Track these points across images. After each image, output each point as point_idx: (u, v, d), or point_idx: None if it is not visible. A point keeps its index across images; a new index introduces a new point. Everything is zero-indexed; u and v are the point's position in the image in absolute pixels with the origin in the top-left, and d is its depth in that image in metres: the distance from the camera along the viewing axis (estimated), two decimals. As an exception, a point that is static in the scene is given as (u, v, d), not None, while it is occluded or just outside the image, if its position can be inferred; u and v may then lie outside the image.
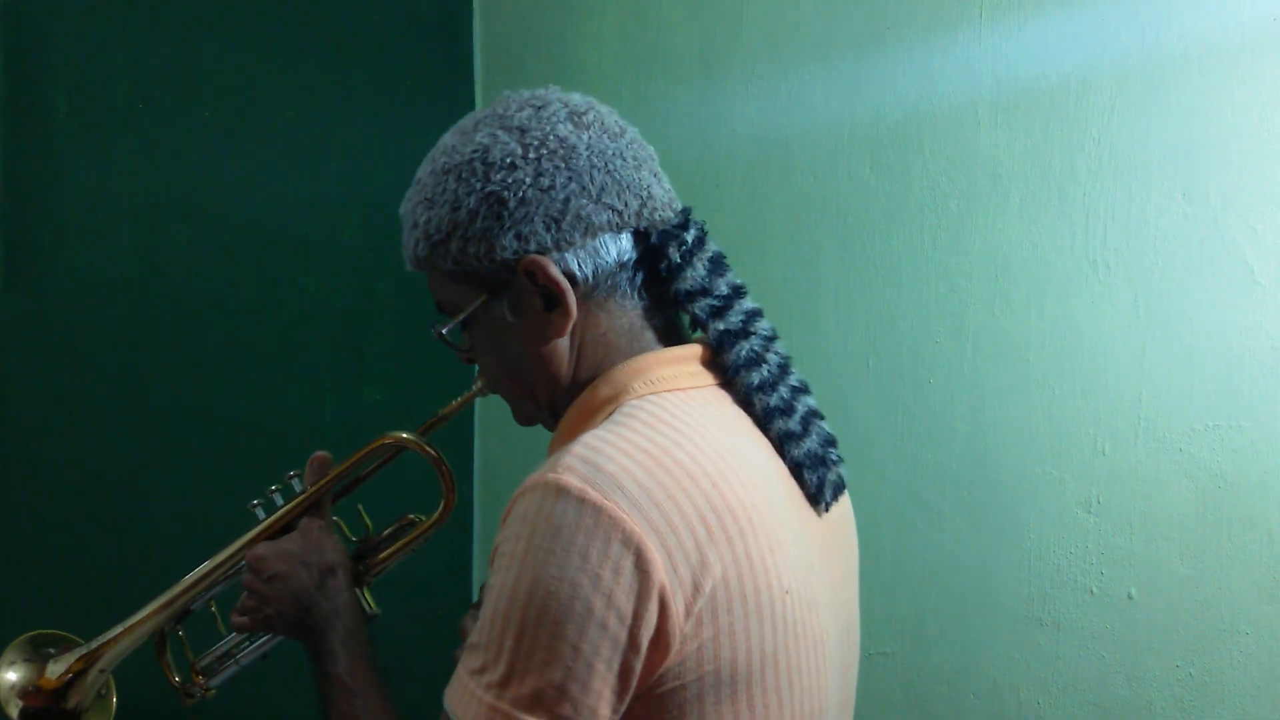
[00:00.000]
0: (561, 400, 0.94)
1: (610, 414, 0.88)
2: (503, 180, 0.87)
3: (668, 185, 0.95)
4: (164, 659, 1.23)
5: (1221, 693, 1.36)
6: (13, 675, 1.20)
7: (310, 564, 1.05)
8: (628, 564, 0.76)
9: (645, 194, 0.91)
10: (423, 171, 0.93)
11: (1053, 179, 1.49)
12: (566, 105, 0.92)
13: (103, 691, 1.23)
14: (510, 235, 0.87)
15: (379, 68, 2.18)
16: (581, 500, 0.77)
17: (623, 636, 0.77)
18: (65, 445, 1.76)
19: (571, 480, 0.78)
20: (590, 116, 0.92)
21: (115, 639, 1.19)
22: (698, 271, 0.93)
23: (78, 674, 1.20)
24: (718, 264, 0.94)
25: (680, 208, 0.95)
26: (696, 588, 0.79)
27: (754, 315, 0.94)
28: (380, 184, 2.22)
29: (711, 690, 0.81)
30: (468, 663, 0.80)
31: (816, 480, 0.93)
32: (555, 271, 0.88)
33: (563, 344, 0.91)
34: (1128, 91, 1.41)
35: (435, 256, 0.90)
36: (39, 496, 1.73)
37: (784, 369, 0.95)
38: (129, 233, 1.82)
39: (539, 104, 0.91)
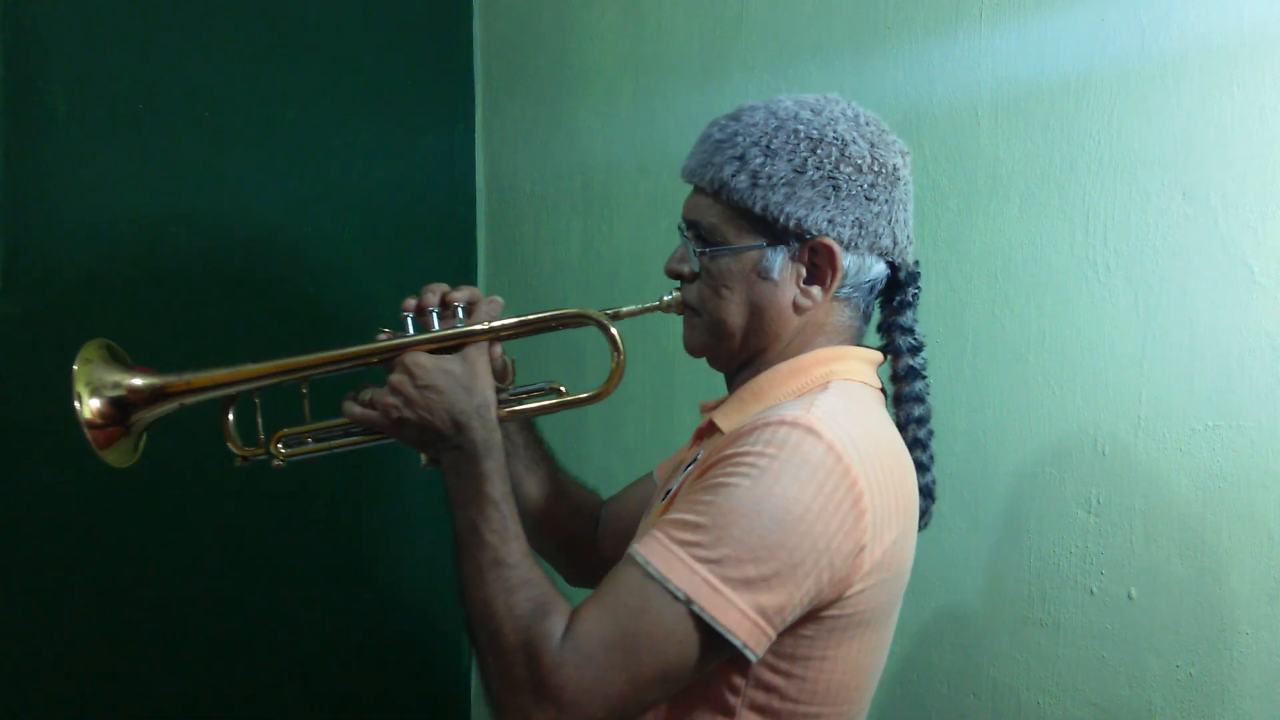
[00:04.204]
0: (762, 357, 1.09)
1: (821, 384, 1.04)
2: (847, 174, 1.04)
3: None
4: (227, 417, 1.18)
5: (1221, 693, 1.36)
6: (103, 372, 1.12)
7: (472, 390, 1.06)
8: (848, 508, 0.94)
9: (909, 236, 1.11)
10: (761, 119, 1.06)
11: (1053, 179, 1.49)
12: (898, 142, 1.09)
13: (143, 432, 1.16)
14: (825, 215, 1.04)
15: (379, 68, 2.18)
16: (830, 446, 0.94)
17: (824, 561, 0.94)
18: (65, 446, 1.75)
19: (824, 429, 0.95)
20: (907, 160, 1.10)
21: (216, 378, 1.16)
22: (914, 313, 1.14)
23: (161, 396, 1.15)
24: (916, 313, 1.15)
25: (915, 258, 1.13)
26: (880, 544, 0.98)
27: (925, 364, 1.15)
28: (380, 184, 2.22)
29: (854, 625, 1.00)
30: (676, 534, 0.93)
31: (924, 508, 1.12)
32: (841, 260, 1.05)
33: (797, 317, 1.07)
34: (1128, 91, 1.42)
35: (748, 192, 1.04)
36: (39, 497, 1.72)
37: (929, 414, 1.15)
38: (129, 233, 1.82)
39: (883, 127, 1.08)
